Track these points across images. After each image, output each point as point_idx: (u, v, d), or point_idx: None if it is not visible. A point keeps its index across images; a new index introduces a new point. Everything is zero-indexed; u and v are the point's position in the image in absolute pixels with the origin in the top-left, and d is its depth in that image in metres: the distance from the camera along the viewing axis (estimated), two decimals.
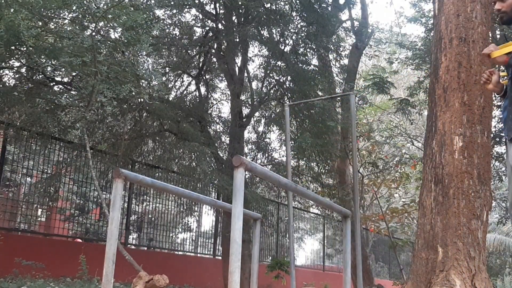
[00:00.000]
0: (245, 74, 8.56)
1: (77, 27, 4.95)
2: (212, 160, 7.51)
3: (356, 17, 11.07)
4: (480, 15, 4.44)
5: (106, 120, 6.92)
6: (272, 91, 8.52)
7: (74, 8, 4.85)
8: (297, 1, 7.46)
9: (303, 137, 7.21)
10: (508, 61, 2.55)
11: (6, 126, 6.11)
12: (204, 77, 8.63)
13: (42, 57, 4.89)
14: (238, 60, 8.45)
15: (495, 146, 9.97)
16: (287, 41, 7.94)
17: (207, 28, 8.29)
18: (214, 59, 8.47)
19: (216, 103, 9.58)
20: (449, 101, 4.31)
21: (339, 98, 8.44)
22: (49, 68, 5.59)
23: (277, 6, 7.32)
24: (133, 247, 8.78)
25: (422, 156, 5.39)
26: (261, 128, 9.63)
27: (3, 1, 4.39)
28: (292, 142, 7.99)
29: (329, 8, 8.48)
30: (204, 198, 2.90)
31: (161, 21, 7.37)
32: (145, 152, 8.25)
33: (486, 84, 2.68)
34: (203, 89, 8.72)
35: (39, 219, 7.96)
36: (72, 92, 6.15)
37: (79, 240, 7.68)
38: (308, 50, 8.15)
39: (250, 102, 8.45)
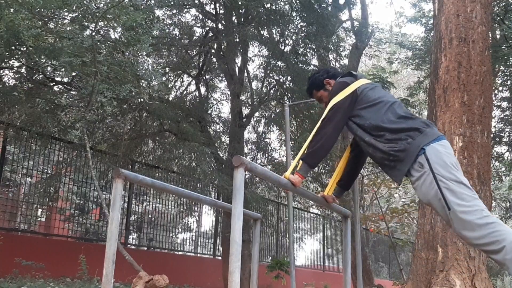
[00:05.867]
0: (245, 74, 8.55)
1: (77, 27, 4.95)
2: (212, 160, 7.51)
3: (356, 17, 11.07)
4: (480, 15, 4.44)
5: (106, 120, 6.91)
6: (272, 91, 8.52)
7: (74, 8, 4.85)
8: (297, 1, 7.46)
9: (303, 137, 7.21)
10: None
11: (6, 126, 6.10)
12: (204, 77, 8.63)
13: (42, 57, 4.89)
14: (238, 60, 8.45)
15: (495, 146, 9.96)
16: (287, 41, 7.94)
17: (207, 28, 8.29)
18: (214, 59, 8.47)
19: (216, 103, 9.59)
20: (449, 101, 4.31)
21: None
22: (49, 68, 5.59)
23: (277, 6, 7.31)
24: (133, 247, 8.78)
25: None
26: (261, 128, 9.63)
27: (3, 1, 4.39)
28: (292, 142, 7.99)
29: (329, 8, 8.47)
30: (204, 198, 2.89)
31: (161, 21, 7.37)
32: (145, 152, 8.25)
33: None
34: (203, 89, 8.72)
35: (39, 219, 7.96)
36: (72, 92, 6.15)
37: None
38: (308, 50, 8.14)
39: (250, 102, 8.45)
